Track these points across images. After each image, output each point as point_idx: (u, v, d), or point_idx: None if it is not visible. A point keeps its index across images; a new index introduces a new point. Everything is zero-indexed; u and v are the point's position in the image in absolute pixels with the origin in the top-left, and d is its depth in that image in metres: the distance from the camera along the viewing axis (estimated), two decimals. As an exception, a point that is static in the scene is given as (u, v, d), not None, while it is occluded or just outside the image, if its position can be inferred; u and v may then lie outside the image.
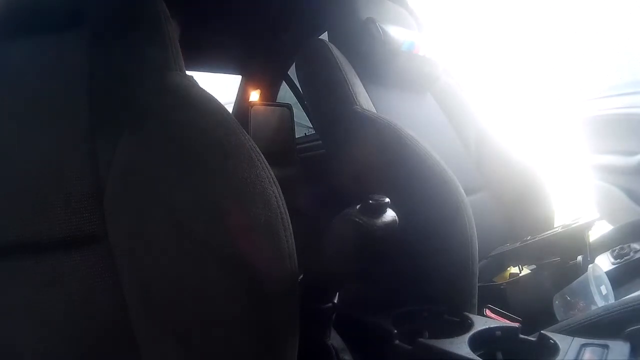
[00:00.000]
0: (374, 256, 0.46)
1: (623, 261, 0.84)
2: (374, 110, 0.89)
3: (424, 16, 1.26)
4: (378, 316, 0.56)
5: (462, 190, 0.71)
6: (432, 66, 1.13)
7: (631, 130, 1.16)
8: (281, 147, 0.96)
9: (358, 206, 0.42)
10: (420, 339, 0.48)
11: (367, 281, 0.69)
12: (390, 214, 0.43)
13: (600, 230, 1.05)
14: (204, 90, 0.52)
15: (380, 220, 0.42)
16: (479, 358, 0.43)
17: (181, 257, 0.42)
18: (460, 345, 0.45)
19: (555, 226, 1.01)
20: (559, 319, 0.74)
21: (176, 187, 0.44)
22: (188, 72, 0.58)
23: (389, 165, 0.75)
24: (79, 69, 0.55)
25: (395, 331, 0.52)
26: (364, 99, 0.88)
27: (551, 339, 0.46)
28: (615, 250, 0.88)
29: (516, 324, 0.53)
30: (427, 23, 1.26)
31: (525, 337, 0.49)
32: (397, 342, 0.51)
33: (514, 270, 0.90)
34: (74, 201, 0.49)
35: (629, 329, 0.53)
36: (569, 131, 1.40)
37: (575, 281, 0.76)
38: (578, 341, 0.45)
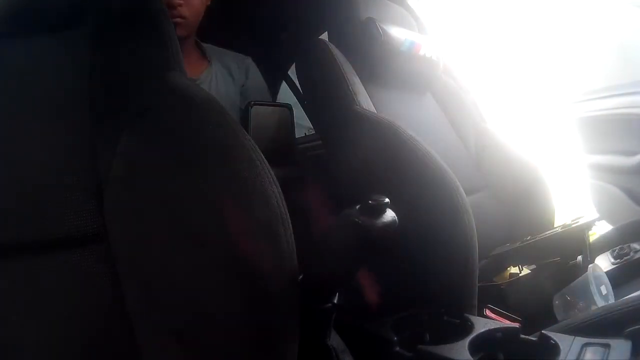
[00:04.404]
0: (374, 256, 0.46)
1: (623, 261, 0.84)
2: (374, 110, 0.88)
3: (424, 16, 1.26)
4: (377, 323, 0.56)
5: (462, 190, 0.71)
6: (432, 66, 1.13)
7: (631, 130, 1.16)
8: (281, 147, 0.96)
9: (358, 206, 0.42)
10: (421, 346, 0.47)
11: (366, 282, 0.69)
12: (389, 214, 0.43)
13: (600, 230, 1.05)
14: (203, 90, 0.52)
15: (379, 221, 0.42)
16: None
17: (181, 257, 0.42)
18: (461, 350, 0.45)
19: (555, 226, 1.01)
20: (559, 319, 0.74)
21: (176, 187, 0.44)
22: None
23: (389, 165, 0.75)
24: (79, 69, 0.55)
25: (395, 338, 0.52)
26: (364, 99, 0.88)
27: (552, 339, 0.46)
28: (615, 250, 0.88)
29: (517, 325, 0.53)
30: (427, 23, 1.26)
31: (527, 337, 0.48)
32: (397, 349, 0.51)
33: (514, 270, 0.90)
34: (74, 201, 0.49)
35: (629, 329, 0.53)
36: (569, 131, 1.40)
37: (575, 281, 0.76)
38: (579, 341, 0.45)
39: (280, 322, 0.43)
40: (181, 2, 0.91)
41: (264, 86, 1.12)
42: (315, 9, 1.30)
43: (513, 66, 1.91)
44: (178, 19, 0.91)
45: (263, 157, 0.46)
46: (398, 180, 0.73)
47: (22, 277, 0.48)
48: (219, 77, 0.99)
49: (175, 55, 0.56)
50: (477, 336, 0.48)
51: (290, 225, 0.44)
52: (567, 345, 0.45)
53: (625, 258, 0.84)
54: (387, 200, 0.42)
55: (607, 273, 0.77)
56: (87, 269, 0.48)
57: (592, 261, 0.82)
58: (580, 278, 0.75)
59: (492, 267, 0.90)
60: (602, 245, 0.93)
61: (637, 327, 0.52)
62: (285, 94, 1.75)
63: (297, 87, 1.65)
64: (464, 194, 0.71)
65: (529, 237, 0.91)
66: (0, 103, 0.55)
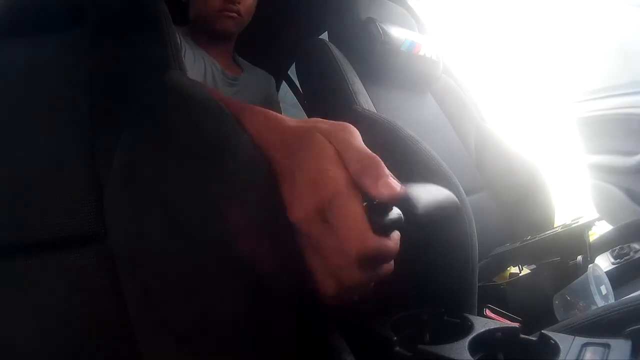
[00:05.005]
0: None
1: (623, 261, 0.84)
2: (374, 110, 0.89)
3: (424, 16, 1.27)
4: (377, 322, 0.56)
5: (462, 190, 0.71)
6: (432, 66, 1.13)
7: (631, 130, 1.16)
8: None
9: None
10: (420, 346, 0.47)
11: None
12: (395, 211, 0.43)
13: (600, 230, 1.05)
14: (203, 90, 0.52)
15: (387, 219, 0.41)
16: None
17: (180, 257, 0.42)
18: (461, 350, 0.45)
19: (555, 226, 1.01)
20: (559, 319, 0.74)
21: (175, 187, 0.44)
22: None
23: (389, 164, 0.74)
24: (79, 69, 0.55)
25: (395, 338, 0.52)
26: (364, 98, 0.88)
27: (552, 339, 0.46)
28: (615, 250, 0.88)
29: (517, 325, 0.52)
30: (427, 23, 1.26)
31: (527, 337, 0.48)
32: (397, 348, 0.51)
33: (514, 270, 0.90)
34: (74, 201, 0.49)
35: (628, 329, 0.53)
36: (569, 131, 1.40)
37: (575, 281, 0.76)
38: (579, 340, 0.45)
39: (280, 322, 0.43)
40: None
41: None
42: (315, 9, 1.30)
43: (513, 66, 1.91)
44: (235, 15, 0.94)
45: (263, 156, 0.46)
46: (398, 179, 0.73)
47: (21, 277, 0.48)
48: (252, 82, 1.05)
49: (175, 54, 0.56)
50: (477, 336, 0.48)
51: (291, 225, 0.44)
52: (567, 345, 0.45)
53: (625, 258, 0.84)
54: None
55: (607, 273, 0.77)
56: (87, 269, 0.48)
57: (592, 261, 0.82)
58: (580, 278, 0.75)
59: (492, 267, 0.90)
60: (602, 245, 0.93)
61: (637, 327, 0.52)
62: (286, 94, 1.75)
63: (297, 87, 1.65)
64: (464, 194, 0.71)
65: (529, 237, 0.91)
66: (0, 103, 0.55)
